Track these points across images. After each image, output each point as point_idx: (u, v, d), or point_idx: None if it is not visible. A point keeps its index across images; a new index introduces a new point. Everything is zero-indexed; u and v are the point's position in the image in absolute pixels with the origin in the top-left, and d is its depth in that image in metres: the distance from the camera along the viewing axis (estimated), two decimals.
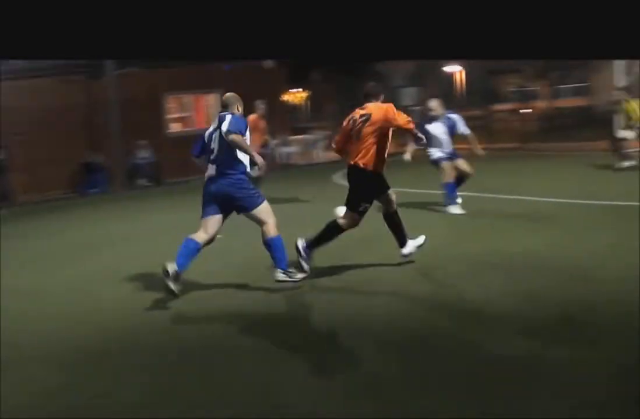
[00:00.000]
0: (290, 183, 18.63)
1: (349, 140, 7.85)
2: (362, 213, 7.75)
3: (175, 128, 24.27)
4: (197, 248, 7.37)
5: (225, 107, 7.71)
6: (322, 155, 26.38)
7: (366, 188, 7.77)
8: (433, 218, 11.08)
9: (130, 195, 19.38)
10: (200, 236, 7.42)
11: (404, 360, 5.23)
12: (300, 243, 7.73)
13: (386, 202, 7.98)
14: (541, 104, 35.07)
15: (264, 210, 7.50)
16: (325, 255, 8.56)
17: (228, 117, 7.37)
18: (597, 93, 30.20)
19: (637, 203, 10.39)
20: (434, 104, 12.02)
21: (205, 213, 7.58)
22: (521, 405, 4.31)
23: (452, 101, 38.56)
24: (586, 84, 36.49)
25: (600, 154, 19.46)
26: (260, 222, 7.48)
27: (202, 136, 7.76)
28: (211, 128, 7.67)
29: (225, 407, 4.65)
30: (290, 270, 7.54)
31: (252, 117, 13.48)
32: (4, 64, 18.42)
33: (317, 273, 7.92)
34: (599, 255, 7.84)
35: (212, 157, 7.52)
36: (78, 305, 7.53)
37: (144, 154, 21.88)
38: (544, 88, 35.74)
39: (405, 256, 8.06)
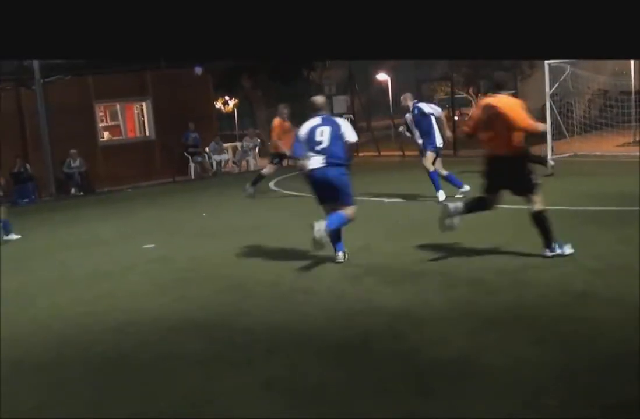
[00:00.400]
0: (231, 191, 18.54)
1: (483, 129, 8.10)
2: (539, 188, 8.00)
3: (106, 137, 23.99)
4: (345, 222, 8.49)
5: (319, 109, 8.89)
6: (254, 162, 26.30)
7: (524, 169, 7.98)
8: (364, 223, 11.13)
9: (60, 205, 19.05)
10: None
11: (345, 366, 5.27)
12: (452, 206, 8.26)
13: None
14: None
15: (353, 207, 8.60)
16: (258, 264, 8.62)
17: (342, 121, 8.83)
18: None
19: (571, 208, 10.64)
20: (404, 96, 13.50)
21: (321, 203, 8.79)
22: (460, 406, 4.39)
23: (383, 108, 38.94)
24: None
25: None
26: (347, 209, 8.49)
27: (301, 136, 8.73)
28: (313, 124, 8.67)
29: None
30: (324, 235, 8.09)
31: (277, 121, 15.81)
32: None
33: (249, 282, 8.00)
34: (527, 259, 7.97)
35: (319, 148, 8.50)
36: (14, 316, 7.37)
37: (74, 163, 21.53)
38: (473, 95, 36.30)
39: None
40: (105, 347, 6.15)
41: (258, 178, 16.06)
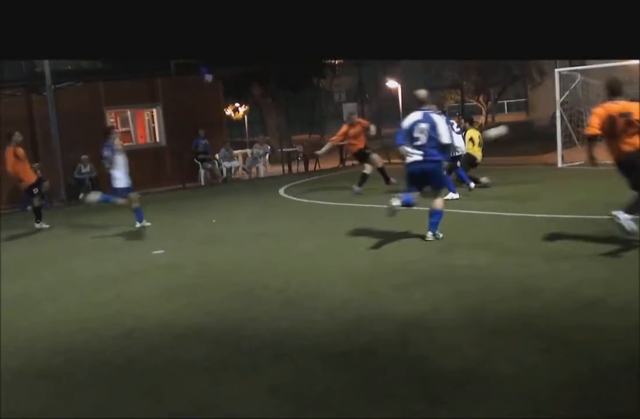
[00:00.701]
0: (241, 197, 18.60)
1: (610, 132, 8.39)
2: None
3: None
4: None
5: (422, 103, 9.72)
6: (264, 169, 26.36)
7: None
8: (372, 229, 11.12)
9: (71, 211, 19.08)
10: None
11: (351, 372, 5.26)
12: (622, 216, 8.11)
13: None
14: (481, 119, 35.56)
15: (444, 191, 9.92)
16: (266, 270, 8.64)
17: (438, 119, 9.54)
18: (535, 108, 30.73)
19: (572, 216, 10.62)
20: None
21: (410, 189, 9.71)
22: (465, 412, 4.39)
23: (393, 115, 38.96)
24: (524, 100, 37.15)
25: (540, 168, 19.83)
26: (437, 196, 9.76)
27: (403, 127, 9.69)
28: (414, 120, 9.57)
29: None
30: (437, 233, 9.75)
31: (344, 128, 16.87)
32: None
33: (256, 287, 8.00)
34: (539, 268, 7.96)
35: (417, 144, 9.48)
36: (20, 321, 7.40)
37: (85, 169, 21.61)
38: (483, 103, 36.31)
39: None
40: (113, 352, 6.16)
41: (381, 176, 17.05)
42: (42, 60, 20.87)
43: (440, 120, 9.55)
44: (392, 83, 42.79)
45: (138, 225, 13.47)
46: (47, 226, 14.53)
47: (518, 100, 45.00)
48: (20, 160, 14.18)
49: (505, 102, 48.31)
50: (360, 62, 36.75)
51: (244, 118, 48.50)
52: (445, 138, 9.44)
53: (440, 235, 9.71)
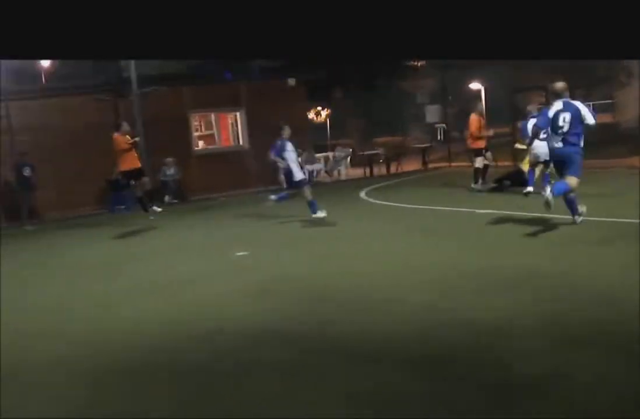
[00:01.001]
0: (323, 200, 18.65)
1: None
2: None
3: (200, 145, 24.39)
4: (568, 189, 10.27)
5: (559, 94, 10.43)
6: (346, 172, 26.43)
7: None
8: (453, 230, 11.04)
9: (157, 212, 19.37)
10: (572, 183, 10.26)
11: (427, 378, 5.22)
12: None
13: None
14: None
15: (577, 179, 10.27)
16: (343, 274, 8.64)
17: (579, 105, 10.36)
18: (622, 109, 30.09)
19: None
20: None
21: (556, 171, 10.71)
22: None
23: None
24: (611, 101, 36.37)
25: (629, 171, 19.41)
26: (571, 180, 10.18)
27: (545, 115, 10.47)
28: (557, 109, 10.33)
29: None
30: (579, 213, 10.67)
31: (474, 118, 17.17)
32: (33, 83, 18.65)
33: (334, 291, 8.02)
34: (619, 275, 7.78)
35: (561, 132, 10.28)
36: (101, 323, 7.58)
37: (170, 171, 21.98)
38: None
39: None
40: (192, 354, 6.25)
41: (476, 175, 17.34)
42: (128, 65, 21.33)
43: (580, 105, 10.36)
44: (475, 85, 42.35)
45: (314, 215, 13.71)
46: (153, 217, 14.92)
47: (605, 101, 44.07)
48: (128, 146, 14.46)
49: (592, 103, 47.34)
50: (443, 64, 36.52)
51: (325, 121, 48.60)
52: (590, 119, 10.23)
53: (550, 201, 9.71)
